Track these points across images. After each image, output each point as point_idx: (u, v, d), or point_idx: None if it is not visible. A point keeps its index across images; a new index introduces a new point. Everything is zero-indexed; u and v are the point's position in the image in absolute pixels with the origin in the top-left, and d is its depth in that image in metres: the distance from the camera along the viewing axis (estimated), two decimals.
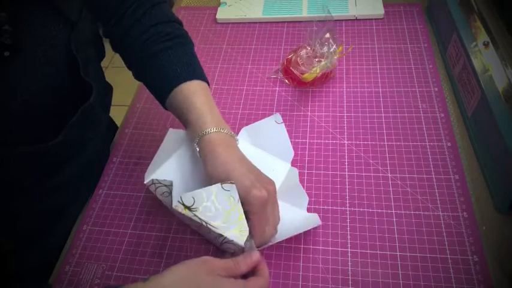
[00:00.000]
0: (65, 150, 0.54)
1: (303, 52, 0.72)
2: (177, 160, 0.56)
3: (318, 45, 0.71)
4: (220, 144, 0.49)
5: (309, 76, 0.69)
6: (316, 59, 0.70)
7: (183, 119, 0.54)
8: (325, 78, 0.73)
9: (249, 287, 0.44)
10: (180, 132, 0.58)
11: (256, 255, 0.46)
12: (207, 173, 0.49)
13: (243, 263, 0.46)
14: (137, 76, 0.60)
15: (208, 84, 0.56)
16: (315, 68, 0.69)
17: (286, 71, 0.75)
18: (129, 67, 0.60)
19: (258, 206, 0.47)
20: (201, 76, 0.55)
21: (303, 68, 0.70)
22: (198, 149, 0.51)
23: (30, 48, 0.45)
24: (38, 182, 0.53)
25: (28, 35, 0.45)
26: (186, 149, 0.56)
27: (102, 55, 0.63)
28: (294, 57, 0.73)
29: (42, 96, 0.47)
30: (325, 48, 0.70)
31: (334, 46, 0.70)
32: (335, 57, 0.70)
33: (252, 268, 0.46)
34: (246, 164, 0.50)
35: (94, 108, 0.55)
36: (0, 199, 0.50)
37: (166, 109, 0.58)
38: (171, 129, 0.59)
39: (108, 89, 0.67)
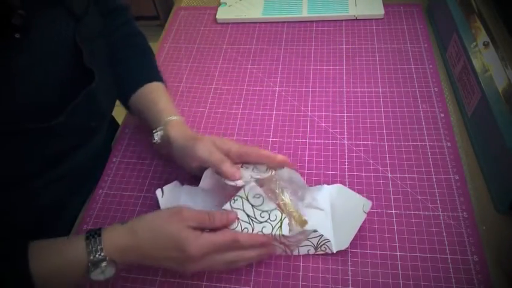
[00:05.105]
0: (67, 135, 0.55)
1: None
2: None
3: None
4: (183, 123, 0.60)
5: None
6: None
7: (148, 113, 0.62)
8: None
9: (215, 241, 0.47)
10: (169, 189, 0.57)
11: (233, 216, 0.49)
12: (176, 139, 0.56)
13: (218, 220, 0.48)
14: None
15: (164, 83, 0.66)
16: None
17: None
18: None
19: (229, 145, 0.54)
20: (157, 77, 0.65)
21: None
22: (161, 132, 0.59)
23: (39, 34, 0.48)
24: (39, 171, 0.53)
25: (37, 22, 0.48)
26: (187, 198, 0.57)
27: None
28: None
29: (48, 81, 0.50)
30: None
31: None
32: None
33: (227, 226, 0.49)
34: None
35: (97, 96, 0.57)
36: (2, 187, 0.50)
37: (127, 109, 0.67)
38: (158, 190, 0.56)
39: (114, 86, 0.68)
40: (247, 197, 0.48)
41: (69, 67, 0.53)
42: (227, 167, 0.51)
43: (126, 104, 0.66)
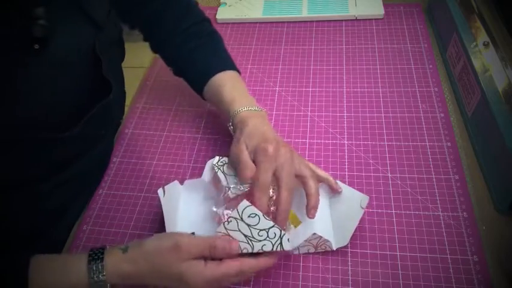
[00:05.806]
0: (77, 144, 0.55)
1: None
2: (184, 211, 0.58)
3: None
4: (250, 117, 0.56)
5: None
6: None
7: (218, 105, 0.62)
8: None
9: (220, 272, 0.45)
10: (170, 188, 0.57)
11: (235, 245, 0.47)
12: (236, 140, 0.54)
13: (220, 250, 0.46)
14: (176, 73, 0.69)
15: (239, 72, 0.65)
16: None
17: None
18: (169, 65, 0.70)
19: (262, 154, 0.51)
20: (231, 66, 0.64)
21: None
22: (231, 127, 0.58)
23: (59, 44, 0.47)
24: (46, 176, 0.53)
25: (58, 32, 0.47)
26: (185, 199, 0.58)
27: (123, 56, 0.64)
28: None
29: (65, 91, 0.49)
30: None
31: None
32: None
33: (230, 256, 0.47)
34: (270, 130, 0.55)
35: (112, 106, 0.57)
36: (7, 190, 0.50)
37: (204, 99, 0.66)
38: (159, 190, 0.56)
39: (123, 95, 0.69)
40: (241, 218, 0.47)
41: (86, 77, 0.52)
42: (244, 160, 0.51)
43: (201, 96, 0.65)
